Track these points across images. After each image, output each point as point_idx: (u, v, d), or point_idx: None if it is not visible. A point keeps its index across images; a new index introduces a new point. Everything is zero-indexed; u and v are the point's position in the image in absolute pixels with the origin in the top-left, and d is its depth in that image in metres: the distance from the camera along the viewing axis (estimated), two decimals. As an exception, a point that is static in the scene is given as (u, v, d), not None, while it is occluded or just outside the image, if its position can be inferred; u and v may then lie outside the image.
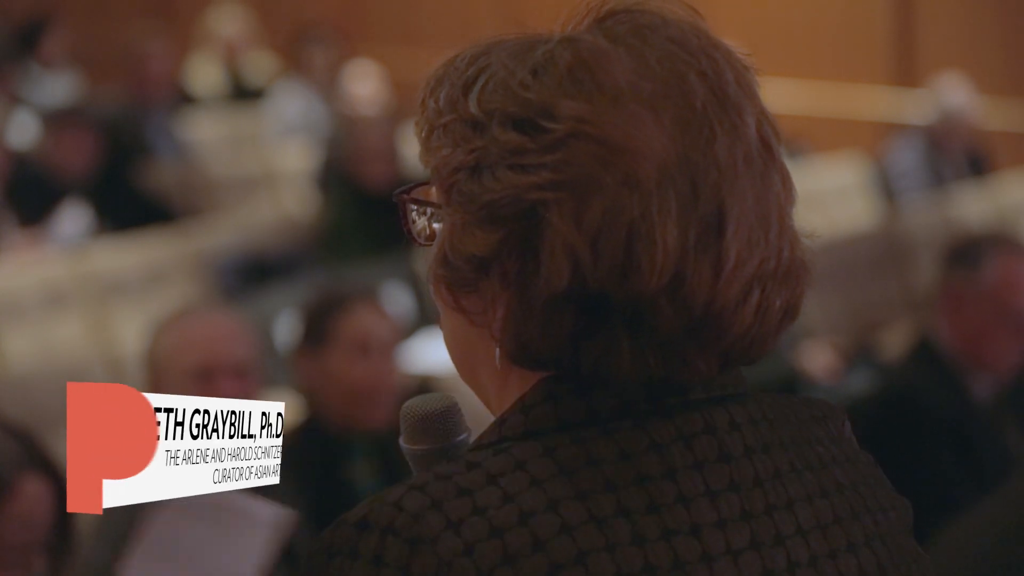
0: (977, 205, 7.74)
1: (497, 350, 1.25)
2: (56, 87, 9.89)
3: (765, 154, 1.23)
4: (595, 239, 1.18)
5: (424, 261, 1.30)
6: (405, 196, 1.30)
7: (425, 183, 1.30)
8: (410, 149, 7.94)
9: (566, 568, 1.14)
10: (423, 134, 1.27)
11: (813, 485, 1.25)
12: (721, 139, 1.20)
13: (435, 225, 1.28)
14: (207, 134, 9.34)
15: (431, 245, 1.28)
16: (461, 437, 1.33)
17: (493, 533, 1.15)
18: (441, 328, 1.32)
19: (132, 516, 3.16)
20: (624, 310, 1.19)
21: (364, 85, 9.47)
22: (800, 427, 1.28)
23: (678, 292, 1.18)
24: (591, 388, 1.21)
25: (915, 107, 9.40)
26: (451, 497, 1.16)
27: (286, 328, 4.73)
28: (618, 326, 1.19)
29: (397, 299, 5.62)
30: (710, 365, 1.22)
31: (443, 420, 1.33)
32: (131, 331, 5.53)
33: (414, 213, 1.30)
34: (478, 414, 1.34)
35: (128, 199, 7.70)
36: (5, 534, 2.46)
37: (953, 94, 8.69)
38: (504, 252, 1.21)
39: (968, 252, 3.95)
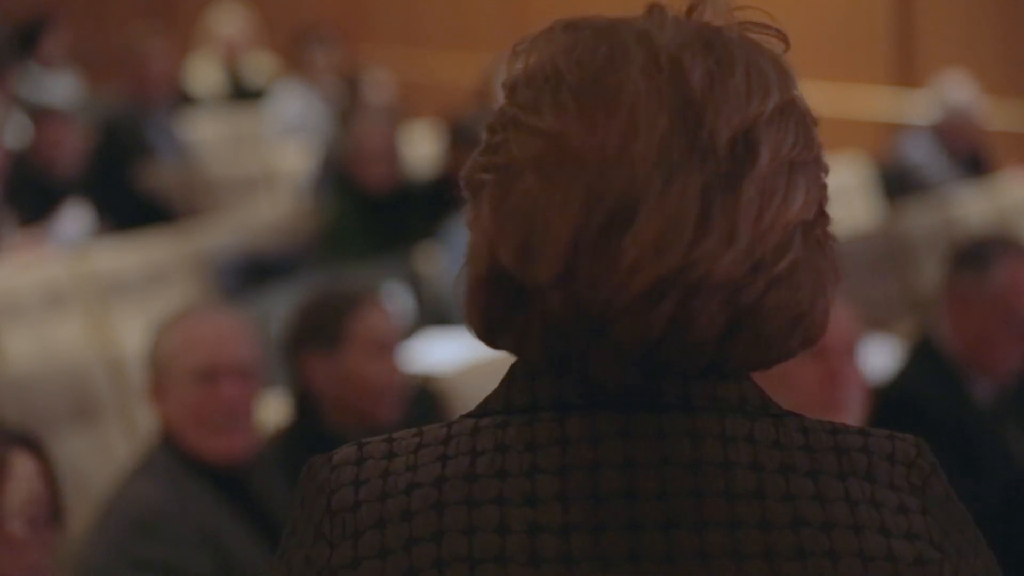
0: (977, 205, 7.73)
1: None
2: (56, 87, 9.89)
3: (737, 163, 1.18)
4: (504, 224, 1.20)
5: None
6: None
7: None
8: (410, 150, 7.94)
9: (422, 542, 1.17)
10: None
11: (749, 513, 1.17)
12: (646, 137, 1.17)
13: None
14: (207, 134, 9.33)
15: None
16: None
17: (380, 497, 1.20)
18: None
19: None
20: (534, 297, 1.19)
21: (379, 94, 9.46)
22: (784, 454, 1.20)
23: (570, 285, 1.18)
24: (540, 375, 1.22)
25: (916, 107, 9.40)
26: (377, 457, 1.22)
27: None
28: (533, 313, 1.20)
29: (397, 299, 5.62)
30: (627, 371, 1.18)
31: None
32: (131, 331, 5.53)
33: None
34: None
35: (128, 199, 7.70)
36: (11, 512, 2.46)
37: (958, 92, 8.68)
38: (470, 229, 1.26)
39: (976, 254, 3.93)
